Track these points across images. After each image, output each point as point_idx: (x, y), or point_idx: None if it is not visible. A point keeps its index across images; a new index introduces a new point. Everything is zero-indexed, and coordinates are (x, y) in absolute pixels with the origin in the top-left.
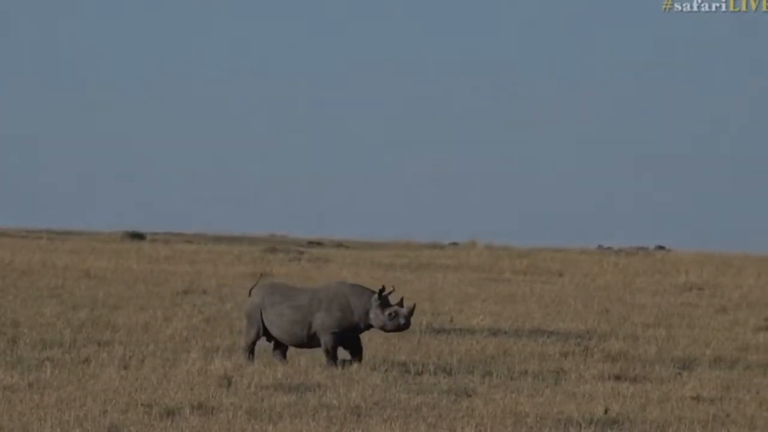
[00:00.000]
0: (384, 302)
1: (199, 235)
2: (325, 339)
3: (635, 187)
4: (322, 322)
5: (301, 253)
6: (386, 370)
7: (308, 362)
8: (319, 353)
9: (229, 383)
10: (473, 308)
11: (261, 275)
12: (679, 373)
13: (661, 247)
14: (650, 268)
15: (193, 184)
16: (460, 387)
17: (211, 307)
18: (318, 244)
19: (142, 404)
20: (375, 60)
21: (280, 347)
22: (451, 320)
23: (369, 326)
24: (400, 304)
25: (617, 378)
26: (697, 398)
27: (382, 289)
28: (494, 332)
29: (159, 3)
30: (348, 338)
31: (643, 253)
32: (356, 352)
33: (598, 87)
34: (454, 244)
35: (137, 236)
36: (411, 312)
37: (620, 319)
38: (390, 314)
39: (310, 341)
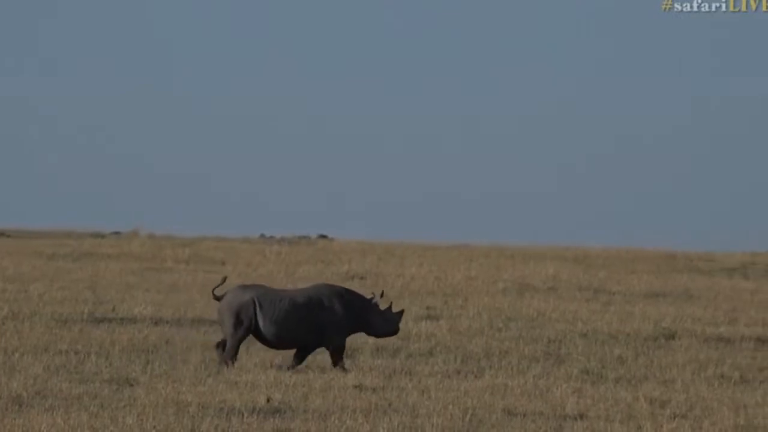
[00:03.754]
0: (377, 307)
1: None
2: (336, 339)
3: (300, 176)
4: (331, 321)
5: None
6: (48, 360)
7: None
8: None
9: None
10: (135, 297)
11: (225, 277)
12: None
13: (323, 236)
14: (313, 257)
15: None
16: (122, 376)
17: None
18: None
19: None
20: None
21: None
22: (113, 309)
23: (359, 330)
24: (389, 309)
25: (280, 367)
26: (359, 387)
27: (382, 294)
28: (156, 321)
29: None
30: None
31: (305, 242)
32: (303, 359)
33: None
34: (116, 233)
35: None
36: (401, 317)
37: None
38: (385, 319)
39: (311, 341)
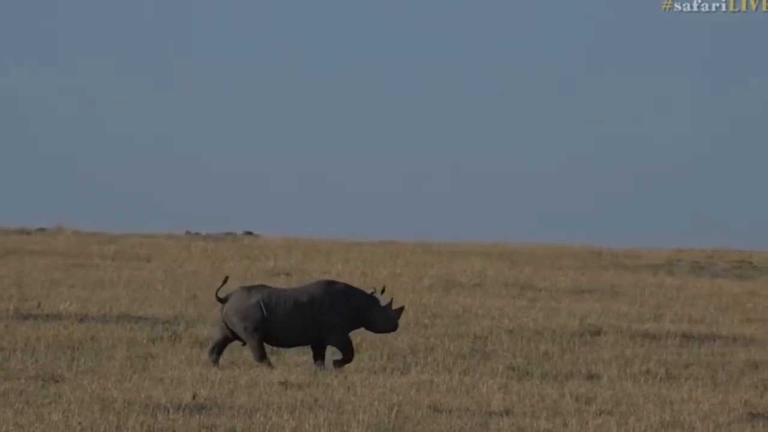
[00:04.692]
0: (378, 304)
1: None
2: (337, 338)
3: (222, 173)
4: (333, 319)
5: None
6: None
7: None
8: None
9: None
10: (61, 294)
11: (226, 278)
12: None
13: (249, 233)
14: (238, 254)
15: None
16: (48, 373)
17: None
18: None
19: None
20: None
21: (219, 349)
22: (39, 306)
23: (360, 326)
24: (389, 305)
25: (205, 363)
26: (285, 383)
27: (383, 290)
28: (82, 318)
29: None
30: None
31: (231, 238)
32: (321, 357)
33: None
34: (42, 229)
35: None
36: (401, 313)
37: (208, 304)
38: (388, 316)
39: (314, 340)
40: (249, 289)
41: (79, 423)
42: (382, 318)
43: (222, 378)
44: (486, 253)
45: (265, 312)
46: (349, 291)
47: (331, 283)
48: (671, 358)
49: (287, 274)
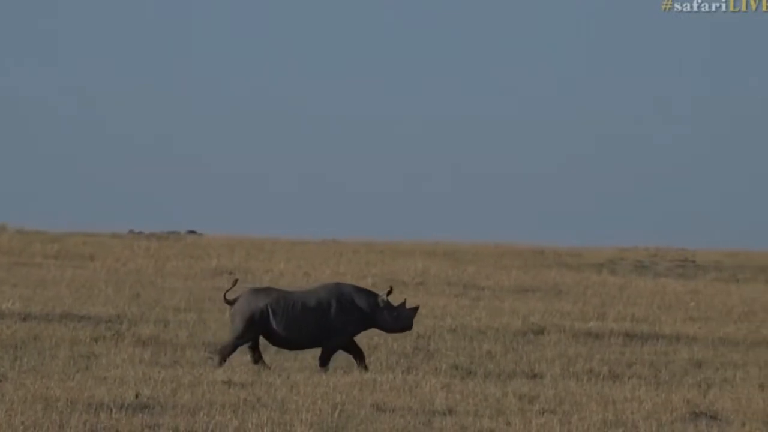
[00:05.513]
0: (388, 304)
1: None
2: (338, 340)
3: (168, 173)
4: (334, 322)
5: None
6: None
7: None
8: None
9: None
10: (3, 293)
11: (236, 280)
12: (211, 358)
13: (192, 232)
14: (181, 253)
15: None
16: None
17: None
18: None
19: None
20: None
21: (254, 351)
22: None
23: (369, 327)
24: (402, 305)
25: (148, 362)
26: (228, 382)
27: (390, 291)
28: (25, 317)
29: None
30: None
31: (174, 237)
32: (360, 355)
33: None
34: None
35: None
36: (415, 313)
37: (151, 303)
38: (396, 316)
39: (321, 342)
40: (257, 292)
41: (22, 422)
42: (391, 318)
43: (165, 377)
44: (429, 252)
45: (271, 317)
46: (356, 293)
47: (338, 286)
48: (614, 357)
49: (230, 273)
